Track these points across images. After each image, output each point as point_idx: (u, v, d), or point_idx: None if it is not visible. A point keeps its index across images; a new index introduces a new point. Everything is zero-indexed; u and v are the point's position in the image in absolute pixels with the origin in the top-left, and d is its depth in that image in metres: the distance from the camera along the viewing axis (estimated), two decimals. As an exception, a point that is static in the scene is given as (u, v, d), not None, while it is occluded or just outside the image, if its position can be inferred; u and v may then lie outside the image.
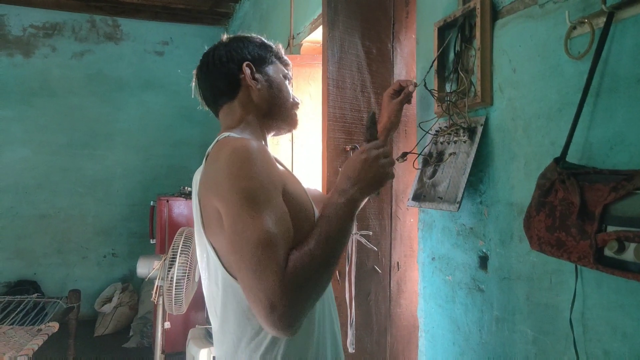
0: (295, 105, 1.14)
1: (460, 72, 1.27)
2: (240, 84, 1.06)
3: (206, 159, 0.97)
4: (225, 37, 1.13)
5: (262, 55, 1.09)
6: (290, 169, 2.56)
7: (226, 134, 0.99)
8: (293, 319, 0.75)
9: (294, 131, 1.16)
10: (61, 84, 4.77)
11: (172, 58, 5.04)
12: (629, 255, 0.72)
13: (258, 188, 0.82)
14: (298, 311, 0.76)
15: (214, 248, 0.92)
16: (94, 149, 4.86)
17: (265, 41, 1.13)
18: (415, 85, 1.34)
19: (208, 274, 0.99)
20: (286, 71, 1.14)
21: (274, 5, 3.31)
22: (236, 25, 4.77)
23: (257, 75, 1.06)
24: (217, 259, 0.91)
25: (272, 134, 1.14)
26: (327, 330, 0.99)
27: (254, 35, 1.14)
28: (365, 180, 0.91)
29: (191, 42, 5.08)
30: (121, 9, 4.74)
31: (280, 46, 1.16)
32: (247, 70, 1.05)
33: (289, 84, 1.14)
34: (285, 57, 1.16)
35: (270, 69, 1.09)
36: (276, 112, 1.09)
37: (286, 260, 0.77)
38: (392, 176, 0.97)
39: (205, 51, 1.12)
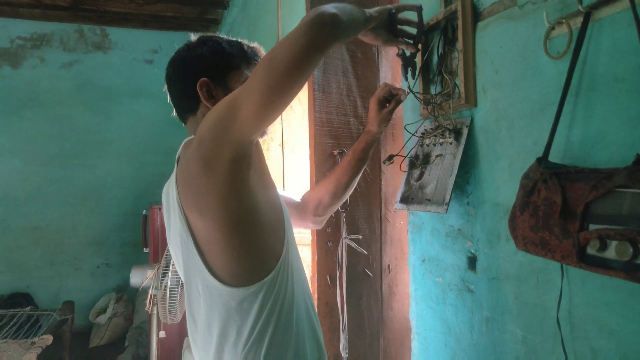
0: None
1: (444, 74, 1.28)
2: (199, 100, 1.03)
3: (178, 163, 0.96)
4: (193, 38, 1.08)
5: (219, 65, 1.03)
6: (281, 174, 2.56)
7: (193, 136, 0.96)
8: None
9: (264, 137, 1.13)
10: (50, 95, 4.75)
11: (161, 66, 4.94)
12: (610, 253, 0.72)
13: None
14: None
15: (199, 250, 0.92)
16: (85, 159, 4.83)
17: (226, 48, 1.04)
18: (407, 93, 1.31)
19: (188, 280, 0.99)
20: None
21: (262, 12, 3.31)
22: (225, 31, 4.76)
23: (214, 92, 1.02)
24: (202, 262, 0.91)
25: None
26: (306, 330, 1.01)
27: (217, 39, 1.06)
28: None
29: (180, 49, 5.08)
30: (109, 18, 4.73)
31: (250, 46, 1.08)
32: (203, 89, 1.01)
33: None
34: (255, 59, 1.08)
35: (230, 78, 1.03)
36: None
37: None
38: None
39: (170, 59, 1.09)
